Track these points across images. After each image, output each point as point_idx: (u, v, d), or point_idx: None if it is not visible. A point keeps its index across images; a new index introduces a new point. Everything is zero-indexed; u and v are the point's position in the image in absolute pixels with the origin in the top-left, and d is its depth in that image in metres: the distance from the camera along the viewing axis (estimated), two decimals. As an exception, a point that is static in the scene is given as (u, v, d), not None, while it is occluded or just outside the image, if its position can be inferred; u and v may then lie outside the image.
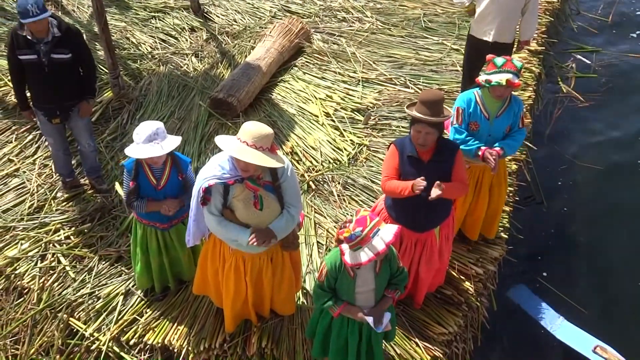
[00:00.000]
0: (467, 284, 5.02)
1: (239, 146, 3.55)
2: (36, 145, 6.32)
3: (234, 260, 4.04)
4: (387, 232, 3.50)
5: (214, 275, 4.24)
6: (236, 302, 4.26)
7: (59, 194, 5.76)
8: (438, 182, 3.97)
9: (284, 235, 3.89)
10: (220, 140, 3.65)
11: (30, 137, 6.39)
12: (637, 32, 9.67)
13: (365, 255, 3.48)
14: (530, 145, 6.79)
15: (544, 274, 5.94)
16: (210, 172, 3.71)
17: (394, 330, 4.16)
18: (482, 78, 4.51)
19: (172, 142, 4.10)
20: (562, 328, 5.34)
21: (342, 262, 3.66)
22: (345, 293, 3.76)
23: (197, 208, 3.88)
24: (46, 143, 6.07)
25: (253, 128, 3.58)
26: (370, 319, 3.73)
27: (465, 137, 4.59)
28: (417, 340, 4.61)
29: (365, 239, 3.48)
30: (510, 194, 5.91)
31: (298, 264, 4.41)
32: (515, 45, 6.24)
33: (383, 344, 4.27)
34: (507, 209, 5.68)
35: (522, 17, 6.00)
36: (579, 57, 8.93)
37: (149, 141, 3.99)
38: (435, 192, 3.94)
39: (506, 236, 5.54)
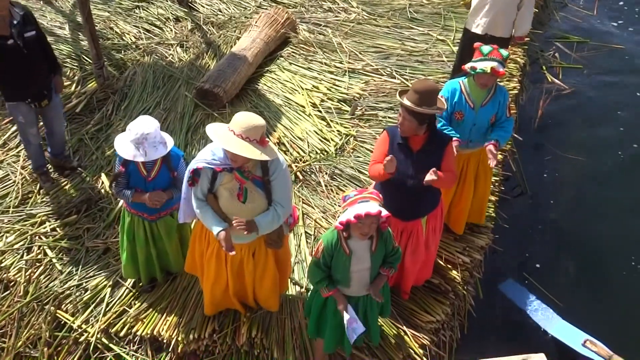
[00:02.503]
0: (454, 273, 5.07)
1: (226, 135, 3.56)
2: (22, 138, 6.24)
3: (217, 245, 4.03)
4: (372, 205, 3.51)
5: (200, 257, 4.24)
6: (215, 288, 4.27)
7: (42, 190, 5.71)
8: (434, 169, 4.00)
9: (267, 232, 3.88)
10: (210, 127, 3.65)
11: (14, 128, 6.30)
12: (619, 22, 9.78)
13: (342, 217, 3.55)
14: (515, 135, 6.84)
15: (537, 265, 6.01)
16: (202, 156, 3.75)
17: (388, 305, 4.21)
18: (468, 65, 4.55)
19: (158, 151, 4.03)
20: (552, 322, 5.39)
21: (337, 240, 3.71)
22: (340, 271, 3.79)
23: (187, 188, 3.92)
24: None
25: (243, 119, 3.58)
26: (345, 316, 3.78)
27: (441, 126, 4.63)
28: (405, 328, 4.66)
29: (352, 203, 3.55)
30: (496, 184, 5.97)
31: (285, 265, 4.38)
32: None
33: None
34: (492, 198, 5.73)
35: (518, 12, 5.98)
36: (561, 46, 9.00)
37: (136, 144, 3.96)
38: (429, 177, 3.98)
39: (492, 225, 5.59)
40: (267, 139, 3.67)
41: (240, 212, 3.78)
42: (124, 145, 4.00)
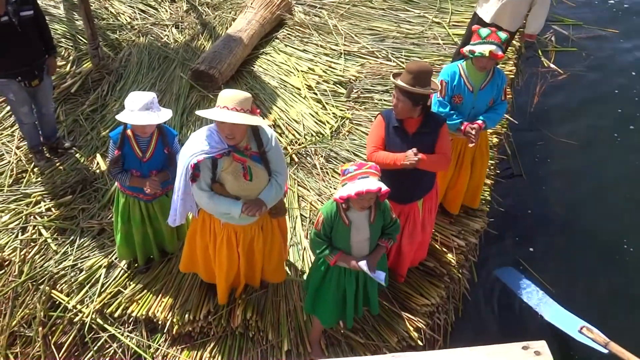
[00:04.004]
0: (449, 256, 5.08)
1: (223, 112, 3.54)
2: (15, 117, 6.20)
3: (226, 233, 4.03)
4: (372, 182, 3.53)
5: (203, 251, 4.21)
6: (230, 275, 4.27)
7: (36, 169, 5.69)
8: (414, 149, 3.99)
9: (274, 204, 3.91)
10: (202, 112, 3.63)
11: (8, 108, 6.25)
12: (611, 2, 9.78)
13: (342, 191, 3.56)
14: (511, 119, 6.84)
15: (531, 249, 6.02)
16: (197, 148, 3.67)
17: (386, 277, 4.21)
18: (466, 48, 4.53)
19: (166, 112, 4.09)
20: (548, 307, 5.38)
21: (337, 211, 3.72)
22: (341, 242, 3.81)
23: (185, 186, 3.82)
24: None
25: (231, 93, 3.59)
26: (364, 265, 3.78)
27: (449, 111, 4.61)
28: (400, 311, 4.68)
29: (352, 178, 3.56)
30: (492, 167, 5.97)
31: (285, 231, 4.43)
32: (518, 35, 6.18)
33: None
34: (488, 182, 5.74)
35: (531, 9, 5.88)
36: (557, 29, 8.99)
37: (146, 109, 3.96)
38: (408, 161, 3.99)
39: (487, 209, 5.60)
40: (257, 109, 3.70)
41: (249, 191, 3.79)
42: (132, 116, 3.98)
